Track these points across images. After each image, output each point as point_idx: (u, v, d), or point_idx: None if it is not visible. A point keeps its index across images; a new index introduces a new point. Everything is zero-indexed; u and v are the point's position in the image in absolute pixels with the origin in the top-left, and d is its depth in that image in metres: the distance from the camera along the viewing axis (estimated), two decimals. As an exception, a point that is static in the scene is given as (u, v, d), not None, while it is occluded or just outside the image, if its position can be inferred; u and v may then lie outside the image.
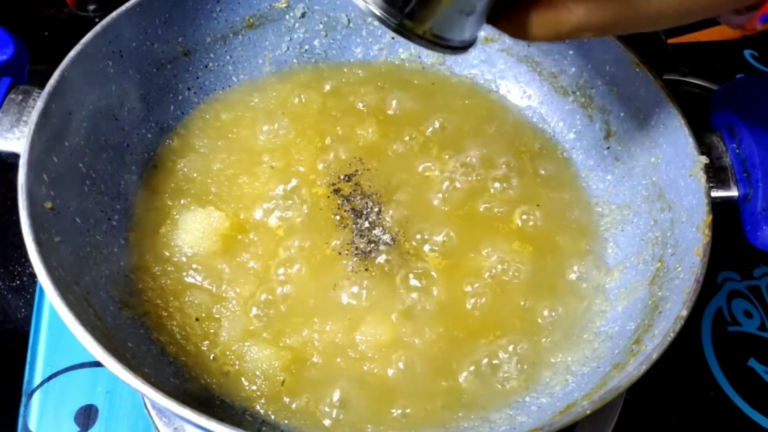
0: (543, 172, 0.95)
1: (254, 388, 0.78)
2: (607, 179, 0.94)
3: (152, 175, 0.91)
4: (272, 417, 0.77)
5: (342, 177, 0.91)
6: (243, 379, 0.78)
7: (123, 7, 0.87)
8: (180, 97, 0.96)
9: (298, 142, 0.94)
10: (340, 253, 0.85)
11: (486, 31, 1.01)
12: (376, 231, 0.87)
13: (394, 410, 0.77)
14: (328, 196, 0.90)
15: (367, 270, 0.84)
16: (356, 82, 1.02)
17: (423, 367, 0.79)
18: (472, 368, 0.80)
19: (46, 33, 1.25)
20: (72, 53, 0.82)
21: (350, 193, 0.90)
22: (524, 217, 0.90)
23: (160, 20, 0.91)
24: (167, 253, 0.85)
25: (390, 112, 0.98)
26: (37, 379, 0.92)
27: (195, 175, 0.91)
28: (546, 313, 0.84)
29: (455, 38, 0.59)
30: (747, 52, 1.30)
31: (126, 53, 0.89)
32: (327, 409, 0.77)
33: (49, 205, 0.76)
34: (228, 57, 0.99)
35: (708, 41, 1.27)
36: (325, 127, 0.96)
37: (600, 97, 0.95)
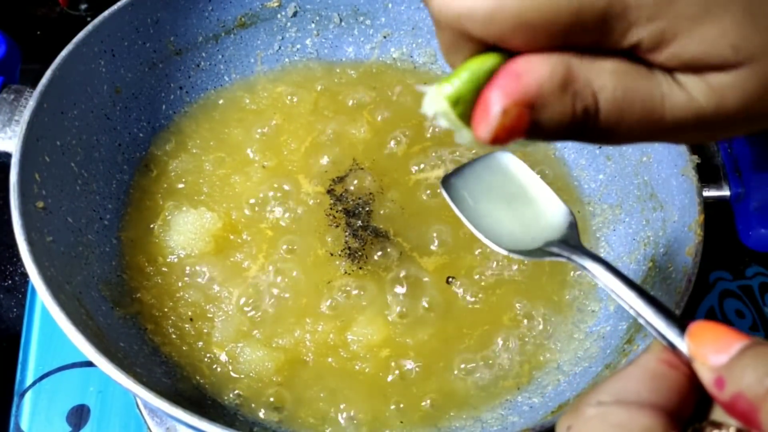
0: (535, 171, 0.95)
1: (246, 388, 0.78)
2: (599, 178, 0.94)
3: (144, 175, 0.91)
4: (264, 417, 0.77)
5: (334, 177, 0.91)
6: (235, 379, 0.78)
7: (115, 7, 0.87)
8: (172, 97, 0.96)
9: (290, 141, 0.94)
10: (332, 254, 0.85)
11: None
12: (369, 231, 0.87)
13: (385, 409, 0.77)
14: (321, 196, 0.90)
15: (360, 269, 0.84)
16: (348, 82, 1.02)
17: (415, 366, 0.79)
18: (463, 367, 0.80)
19: (38, 32, 1.25)
20: (64, 52, 0.82)
21: (343, 192, 0.90)
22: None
23: (152, 19, 0.91)
24: (160, 254, 0.85)
25: (382, 111, 0.98)
26: (29, 379, 0.92)
27: (187, 175, 0.91)
28: (537, 312, 0.84)
29: None
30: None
31: (118, 52, 0.89)
32: (318, 409, 0.77)
33: (41, 204, 0.76)
34: (220, 56, 0.99)
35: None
36: (318, 126, 0.96)
37: (592, 97, 0.95)
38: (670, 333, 0.45)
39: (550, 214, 0.64)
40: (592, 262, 0.55)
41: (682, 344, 0.44)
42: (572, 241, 0.60)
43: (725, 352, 0.40)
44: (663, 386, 0.42)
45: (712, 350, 0.41)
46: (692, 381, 0.43)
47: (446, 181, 0.66)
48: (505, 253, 0.61)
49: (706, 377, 0.41)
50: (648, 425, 0.40)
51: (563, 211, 0.63)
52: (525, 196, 0.65)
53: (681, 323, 0.45)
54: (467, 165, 0.67)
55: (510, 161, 0.67)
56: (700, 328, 0.43)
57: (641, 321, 0.48)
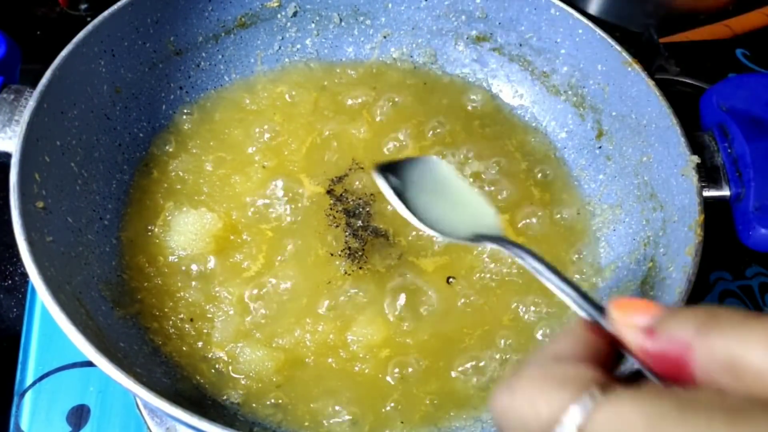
0: (535, 171, 0.95)
1: (246, 388, 0.78)
2: (599, 179, 0.94)
3: (144, 175, 0.91)
4: (264, 417, 0.77)
5: (334, 177, 0.91)
6: (235, 379, 0.78)
7: (115, 7, 0.87)
8: (172, 97, 0.96)
9: (290, 141, 0.94)
10: (332, 254, 0.85)
11: (477, 30, 1.01)
12: (369, 231, 0.87)
13: (385, 409, 0.77)
14: (321, 196, 0.89)
15: (360, 269, 0.84)
16: (348, 82, 1.01)
17: (414, 366, 0.79)
18: (463, 368, 0.80)
19: (38, 32, 1.24)
20: (64, 52, 0.82)
21: (342, 192, 0.90)
22: (516, 216, 0.90)
23: (152, 19, 0.91)
24: (160, 254, 0.85)
25: (382, 111, 0.98)
26: (29, 379, 0.91)
27: (187, 175, 0.91)
28: (538, 312, 0.84)
29: None
30: (739, 51, 1.30)
31: (118, 52, 0.89)
32: (318, 409, 0.77)
33: (41, 204, 0.76)
34: (220, 56, 0.99)
35: (700, 40, 1.27)
36: (318, 126, 0.96)
37: (592, 96, 0.95)
38: (592, 310, 0.48)
39: (478, 212, 0.69)
40: (520, 250, 0.58)
41: (603, 319, 0.46)
42: (500, 233, 0.66)
43: (650, 316, 0.42)
44: (593, 346, 0.45)
45: (638, 315, 0.43)
46: (614, 348, 0.46)
47: (381, 170, 0.70)
48: (440, 238, 0.67)
49: (634, 336, 0.43)
50: (591, 376, 0.41)
51: (489, 211, 0.69)
52: (456, 195, 0.71)
53: (599, 305, 0.48)
54: (403, 161, 0.72)
55: (441, 165, 0.73)
56: (624, 300, 0.45)
57: (564, 298, 0.51)
